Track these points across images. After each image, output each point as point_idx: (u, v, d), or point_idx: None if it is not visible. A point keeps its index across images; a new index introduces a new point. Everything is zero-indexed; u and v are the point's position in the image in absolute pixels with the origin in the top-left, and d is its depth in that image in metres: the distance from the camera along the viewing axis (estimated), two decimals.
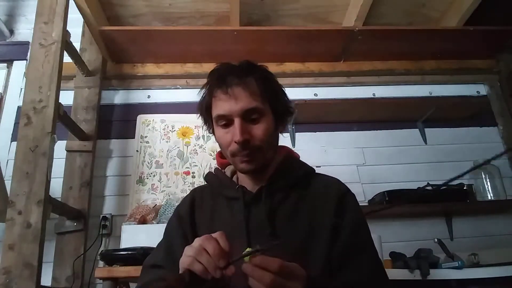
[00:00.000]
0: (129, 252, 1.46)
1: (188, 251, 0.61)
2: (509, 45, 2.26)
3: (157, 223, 1.66)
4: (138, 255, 1.41)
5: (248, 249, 0.59)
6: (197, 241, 0.62)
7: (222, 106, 0.78)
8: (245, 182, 0.84)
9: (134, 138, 2.06)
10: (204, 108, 0.85)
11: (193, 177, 1.99)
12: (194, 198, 0.89)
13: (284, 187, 0.81)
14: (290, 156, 0.90)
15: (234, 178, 0.89)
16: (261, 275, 0.57)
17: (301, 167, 0.87)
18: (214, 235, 0.62)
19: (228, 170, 0.91)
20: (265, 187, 0.81)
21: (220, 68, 0.84)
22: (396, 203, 1.77)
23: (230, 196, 0.83)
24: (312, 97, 2.22)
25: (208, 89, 0.84)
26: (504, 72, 2.34)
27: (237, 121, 0.77)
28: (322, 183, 0.84)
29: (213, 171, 0.93)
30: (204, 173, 1.96)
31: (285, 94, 0.87)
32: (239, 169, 0.82)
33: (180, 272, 0.62)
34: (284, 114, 0.86)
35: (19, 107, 1.98)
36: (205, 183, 0.93)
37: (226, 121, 0.79)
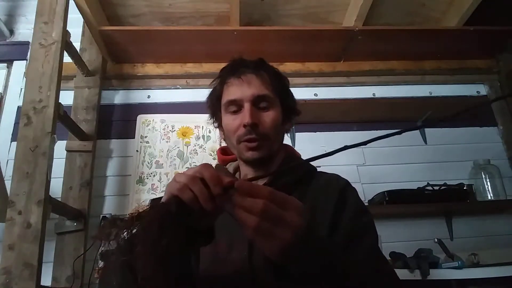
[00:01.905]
0: None
1: (179, 177, 0.54)
2: (509, 45, 2.26)
3: None
4: None
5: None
6: (192, 168, 0.55)
7: (234, 91, 0.81)
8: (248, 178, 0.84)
9: (134, 138, 2.06)
10: (214, 98, 0.87)
11: None
12: None
13: (287, 184, 0.81)
14: (293, 155, 0.91)
15: (237, 175, 0.88)
16: (251, 203, 0.50)
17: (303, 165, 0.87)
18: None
19: (230, 167, 0.91)
20: (268, 184, 0.80)
21: (233, 62, 0.87)
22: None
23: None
24: (312, 97, 2.22)
25: (220, 79, 0.86)
26: (504, 72, 2.34)
27: (247, 106, 0.79)
28: (323, 180, 0.84)
29: (214, 167, 0.93)
30: None
31: (292, 94, 0.90)
32: (245, 158, 0.82)
33: (164, 199, 0.55)
34: (291, 110, 0.88)
35: (19, 107, 1.97)
36: None
37: (236, 106, 0.81)
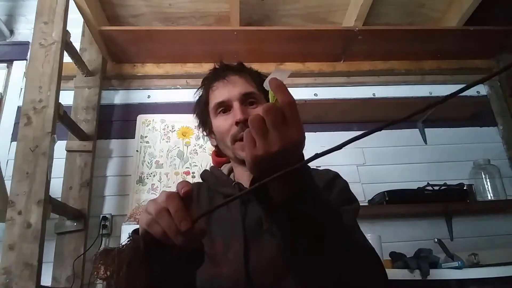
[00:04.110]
0: None
1: (150, 207, 0.50)
2: (509, 45, 2.26)
3: None
4: None
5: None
6: (161, 196, 0.50)
7: (220, 93, 0.83)
8: (242, 179, 0.85)
9: (134, 138, 2.06)
10: (202, 105, 0.89)
11: (193, 177, 1.99)
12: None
13: None
14: None
15: (231, 176, 0.89)
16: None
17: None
18: (177, 187, 0.51)
19: (224, 168, 0.91)
20: (262, 184, 0.80)
21: (214, 69, 0.90)
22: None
23: (226, 194, 0.83)
24: (312, 97, 2.22)
25: (204, 86, 0.88)
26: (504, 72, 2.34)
27: (236, 104, 0.80)
28: (315, 176, 0.84)
29: (209, 169, 0.93)
30: None
31: None
32: (241, 158, 0.81)
33: (141, 231, 0.52)
34: None
35: (19, 107, 1.97)
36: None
37: (225, 107, 0.82)
